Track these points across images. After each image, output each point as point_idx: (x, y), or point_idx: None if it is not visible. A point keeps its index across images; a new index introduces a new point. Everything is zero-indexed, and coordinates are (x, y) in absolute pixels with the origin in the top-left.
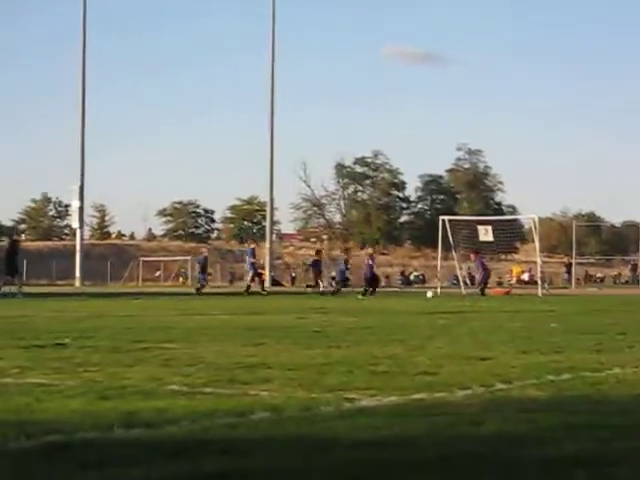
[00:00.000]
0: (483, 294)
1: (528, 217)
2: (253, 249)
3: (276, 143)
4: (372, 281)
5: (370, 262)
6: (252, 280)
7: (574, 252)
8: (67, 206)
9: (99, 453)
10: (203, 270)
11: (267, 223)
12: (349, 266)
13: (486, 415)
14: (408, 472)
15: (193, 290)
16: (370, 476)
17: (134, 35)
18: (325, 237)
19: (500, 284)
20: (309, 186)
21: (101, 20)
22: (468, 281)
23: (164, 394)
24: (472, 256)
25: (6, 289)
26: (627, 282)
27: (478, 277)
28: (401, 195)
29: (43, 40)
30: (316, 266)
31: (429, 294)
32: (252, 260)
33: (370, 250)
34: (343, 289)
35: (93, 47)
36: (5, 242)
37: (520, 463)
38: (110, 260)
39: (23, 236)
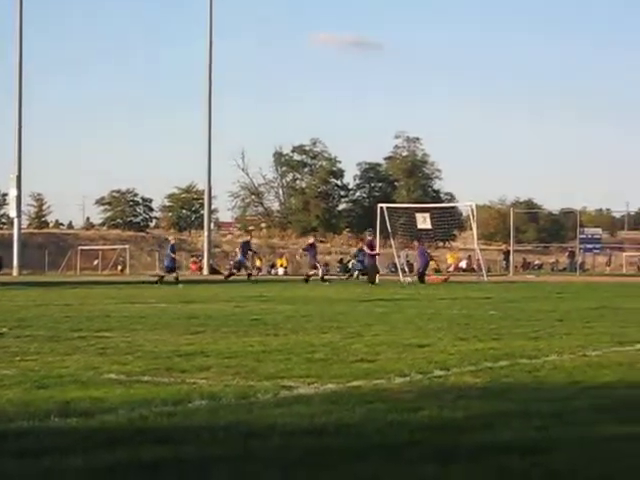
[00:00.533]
0: (422, 281)
1: (466, 204)
2: (246, 241)
3: (214, 131)
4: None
5: (370, 250)
6: (238, 270)
7: (512, 239)
8: (4, 195)
9: (36, 442)
10: (172, 257)
11: (205, 211)
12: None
13: (423, 402)
14: (346, 459)
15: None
16: (307, 463)
17: (71, 22)
18: (264, 225)
19: (438, 272)
20: (247, 174)
21: (38, 9)
22: (407, 269)
23: (101, 383)
24: (415, 244)
25: None
26: (565, 269)
27: (417, 265)
28: (339, 183)
29: None
30: (311, 251)
31: (407, 280)
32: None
33: (369, 237)
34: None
35: (30, 36)
36: None
37: (457, 449)
38: (48, 249)
39: None
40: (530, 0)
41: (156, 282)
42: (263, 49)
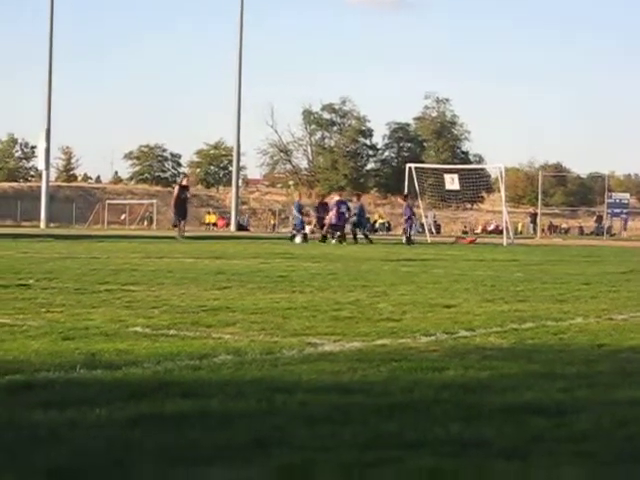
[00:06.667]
0: (411, 243)
1: (494, 166)
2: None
3: (244, 88)
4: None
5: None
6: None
7: (540, 202)
8: (33, 147)
9: (61, 393)
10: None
11: (234, 168)
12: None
13: (448, 362)
14: (369, 416)
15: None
16: (331, 420)
17: None
18: (291, 183)
19: (465, 233)
20: (276, 132)
21: None
22: (434, 229)
23: (127, 336)
24: (408, 201)
25: None
26: (592, 233)
27: (404, 224)
28: (368, 142)
29: None
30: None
31: (298, 239)
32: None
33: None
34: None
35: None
36: None
37: (481, 410)
38: (76, 202)
39: None
40: None
41: (323, 240)
42: (297, 6)
